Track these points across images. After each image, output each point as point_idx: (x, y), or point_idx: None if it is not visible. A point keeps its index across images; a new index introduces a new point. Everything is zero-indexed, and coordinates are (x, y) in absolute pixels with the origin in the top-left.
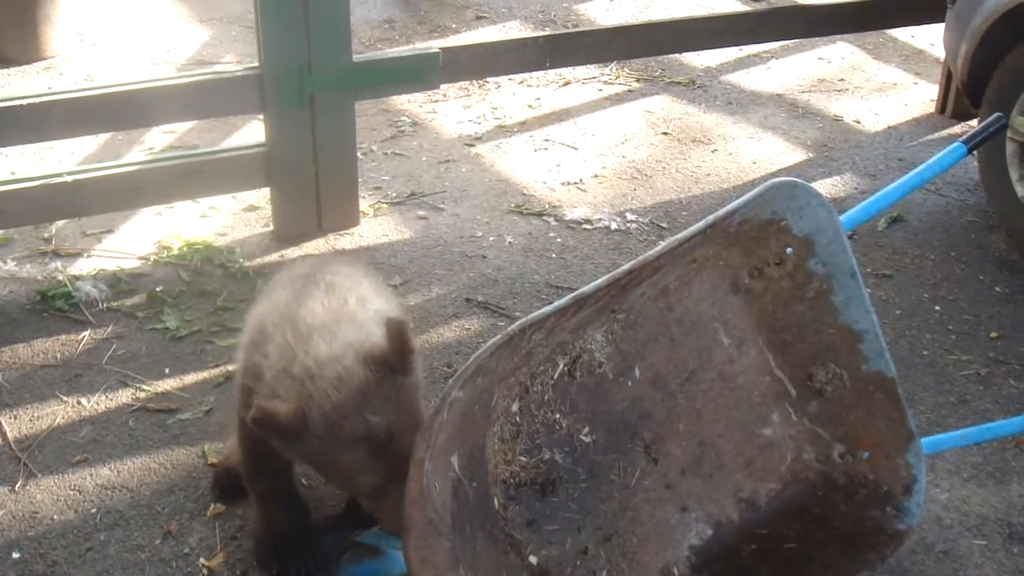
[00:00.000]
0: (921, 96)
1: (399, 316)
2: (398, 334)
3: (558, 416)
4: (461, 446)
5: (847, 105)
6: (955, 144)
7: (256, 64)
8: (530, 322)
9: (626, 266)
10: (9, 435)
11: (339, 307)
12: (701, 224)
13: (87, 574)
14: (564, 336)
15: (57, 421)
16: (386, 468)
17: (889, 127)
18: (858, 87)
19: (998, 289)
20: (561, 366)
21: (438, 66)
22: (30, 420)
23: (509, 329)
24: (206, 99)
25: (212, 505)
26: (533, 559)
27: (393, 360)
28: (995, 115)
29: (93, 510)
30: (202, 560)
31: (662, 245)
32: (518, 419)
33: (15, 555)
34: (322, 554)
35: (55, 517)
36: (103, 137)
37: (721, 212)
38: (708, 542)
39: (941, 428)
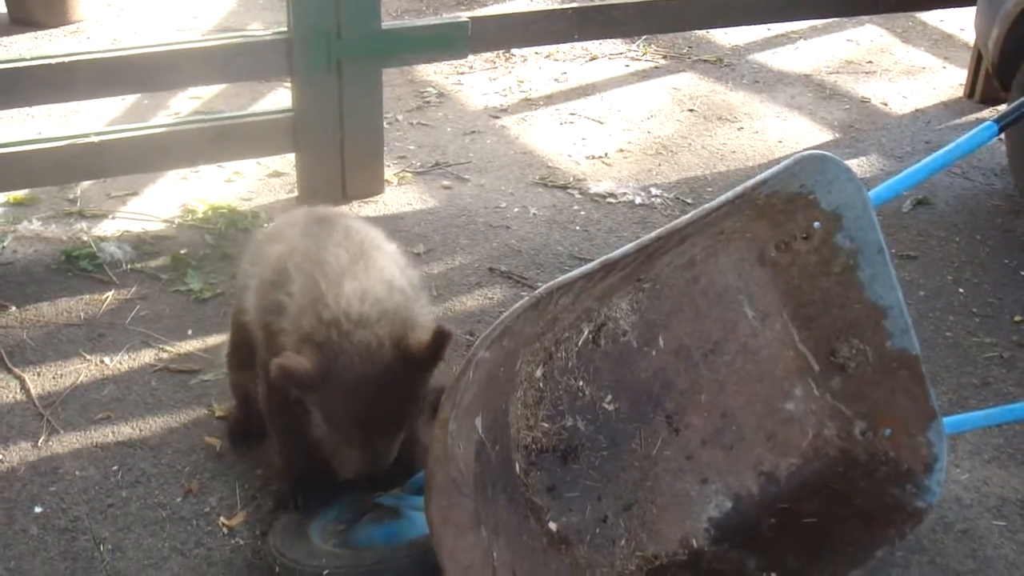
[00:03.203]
0: (950, 80)
1: (447, 327)
2: (440, 343)
3: (581, 383)
4: (485, 409)
5: (875, 87)
6: (986, 123)
7: (285, 28)
8: (557, 285)
9: (654, 233)
10: (32, 391)
11: (359, 251)
12: (730, 194)
13: (108, 530)
14: (590, 303)
15: (80, 379)
16: (368, 450)
17: (916, 110)
18: (886, 70)
19: (1023, 273)
20: (586, 333)
21: (467, 35)
22: (53, 378)
23: (536, 292)
24: (234, 62)
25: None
26: (553, 525)
27: (424, 363)
28: None
29: (115, 467)
30: (222, 519)
31: (690, 214)
32: (541, 385)
33: (37, 509)
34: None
35: (77, 473)
36: (128, 101)
37: (750, 183)
38: (727, 514)
39: (963, 409)
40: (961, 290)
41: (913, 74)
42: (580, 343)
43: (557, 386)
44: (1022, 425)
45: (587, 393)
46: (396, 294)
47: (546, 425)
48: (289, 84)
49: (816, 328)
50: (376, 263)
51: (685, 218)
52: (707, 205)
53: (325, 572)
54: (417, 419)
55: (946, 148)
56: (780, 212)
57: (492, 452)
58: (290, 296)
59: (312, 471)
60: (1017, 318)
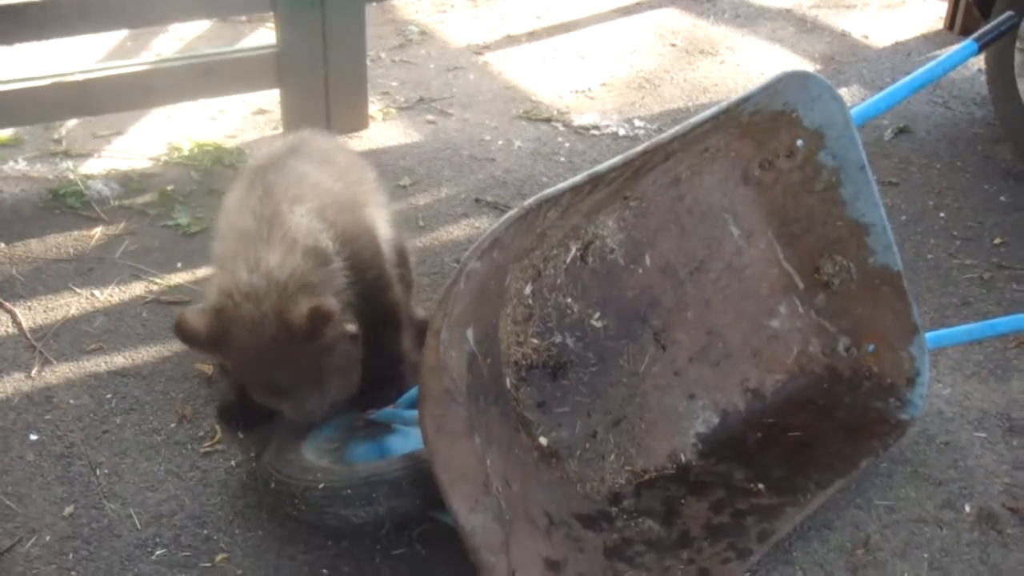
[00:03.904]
0: (930, 13)
1: (327, 305)
2: (316, 321)
3: (570, 300)
4: (476, 321)
5: (855, 20)
6: (967, 41)
7: None
8: (546, 197)
9: (640, 147)
10: (24, 325)
11: (271, 216)
12: (715, 109)
13: (104, 455)
14: (577, 220)
15: (71, 312)
16: (276, 403)
17: (897, 42)
18: (866, 3)
19: (1003, 199)
20: (573, 251)
21: None
22: (44, 311)
23: (525, 203)
24: None
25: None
26: (543, 440)
27: (305, 338)
28: (1007, 13)
29: (108, 395)
30: (218, 444)
31: (675, 128)
32: (530, 302)
33: (33, 437)
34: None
35: (71, 402)
36: (112, 42)
37: (735, 99)
38: (714, 429)
39: (944, 328)
40: (942, 215)
41: (893, 7)
42: (568, 260)
43: (546, 303)
44: (1002, 341)
45: (575, 310)
46: (296, 260)
47: (535, 341)
48: (271, 24)
49: (800, 246)
50: (285, 226)
51: (670, 132)
52: (692, 120)
53: (320, 486)
54: (343, 376)
55: (927, 66)
56: (763, 131)
57: (483, 365)
58: (215, 254)
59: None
60: (997, 240)
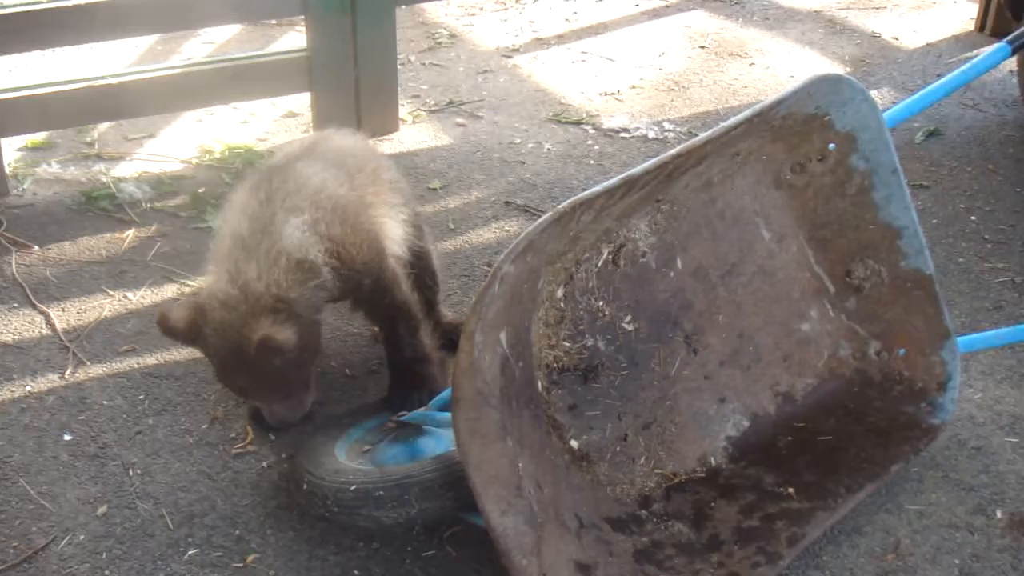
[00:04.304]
0: (960, 14)
1: (269, 337)
2: (261, 351)
3: (601, 304)
4: (509, 324)
5: (885, 22)
6: (999, 44)
7: None
8: (580, 200)
9: (673, 151)
10: (58, 326)
11: (265, 224)
12: (748, 113)
13: (137, 456)
14: (609, 223)
15: (104, 314)
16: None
17: (928, 44)
18: (896, 4)
19: None
20: (605, 254)
21: None
22: (78, 313)
23: (559, 207)
24: (250, 2)
25: None
26: (574, 443)
27: (254, 355)
28: None
29: (141, 396)
30: (249, 445)
31: (708, 132)
32: (562, 305)
33: (67, 437)
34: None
35: (104, 403)
36: (143, 47)
37: (767, 102)
38: (745, 433)
39: (976, 332)
40: (973, 218)
41: (924, 8)
42: (600, 264)
43: (578, 306)
44: None
45: (607, 313)
46: (277, 275)
47: (567, 344)
48: (301, 28)
49: (832, 249)
50: (274, 236)
51: (703, 136)
52: (725, 123)
53: (352, 488)
54: (306, 385)
55: (960, 69)
56: (795, 134)
57: (516, 368)
58: (211, 251)
59: None
60: None
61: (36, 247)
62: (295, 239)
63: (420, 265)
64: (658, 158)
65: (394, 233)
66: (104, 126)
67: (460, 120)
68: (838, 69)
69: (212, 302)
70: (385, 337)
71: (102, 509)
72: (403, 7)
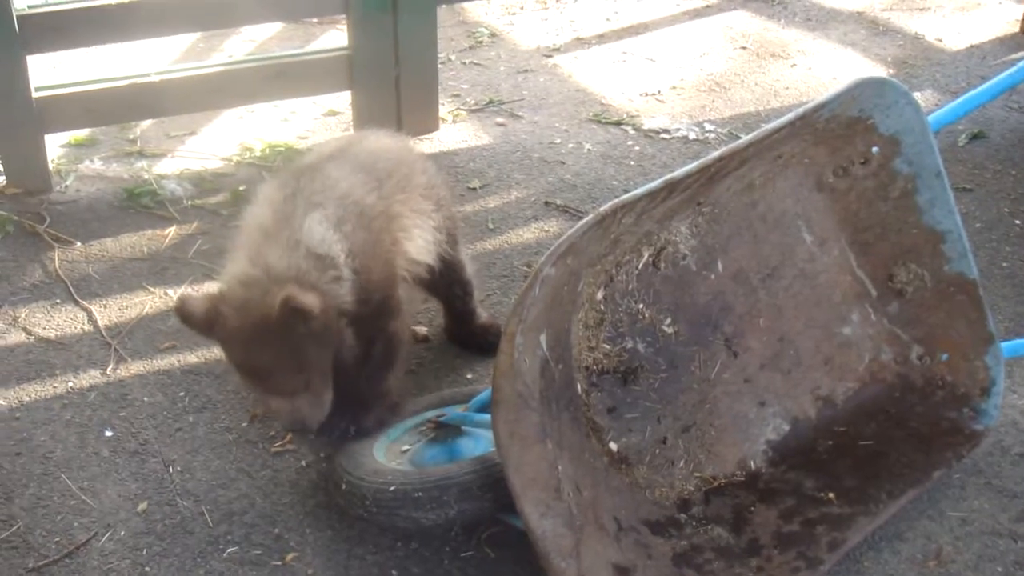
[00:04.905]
0: (1005, 16)
1: (292, 295)
2: (284, 311)
3: (641, 306)
4: (549, 326)
5: (928, 23)
6: None
7: None
8: (622, 203)
9: (715, 153)
10: (100, 323)
11: (288, 217)
12: (791, 116)
13: (177, 452)
14: (650, 226)
15: (145, 310)
16: (259, 389)
17: (971, 46)
18: (940, 6)
19: None
20: (646, 257)
21: None
22: (119, 309)
23: (601, 209)
24: (291, 0)
25: None
26: (613, 445)
27: (276, 324)
28: None
29: (181, 393)
30: (288, 443)
31: (751, 135)
32: (602, 307)
33: (108, 433)
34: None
35: (145, 399)
36: (184, 45)
37: (810, 105)
38: (785, 437)
39: (1020, 338)
40: (1017, 222)
41: (967, 9)
42: (640, 266)
43: (618, 309)
44: None
45: (647, 316)
46: (297, 260)
47: (607, 347)
48: (342, 26)
49: (874, 253)
50: (295, 228)
51: (746, 139)
52: (768, 126)
53: (391, 488)
54: (325, 379)
55: (1007, 72)
56: (838, 137)
57: (555, 370)
58: (234, 241)
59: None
60: None
61: (78, 243)
62: (317, 233)
63: (448, 274)
64: (700, 161)
65: (421, 244)
66: (146, 123)
67: (500, 120)
68: (880, 71)
69: (232, 283)
70: (360, 354)
71: (142, 505)
72: (444, 6)
